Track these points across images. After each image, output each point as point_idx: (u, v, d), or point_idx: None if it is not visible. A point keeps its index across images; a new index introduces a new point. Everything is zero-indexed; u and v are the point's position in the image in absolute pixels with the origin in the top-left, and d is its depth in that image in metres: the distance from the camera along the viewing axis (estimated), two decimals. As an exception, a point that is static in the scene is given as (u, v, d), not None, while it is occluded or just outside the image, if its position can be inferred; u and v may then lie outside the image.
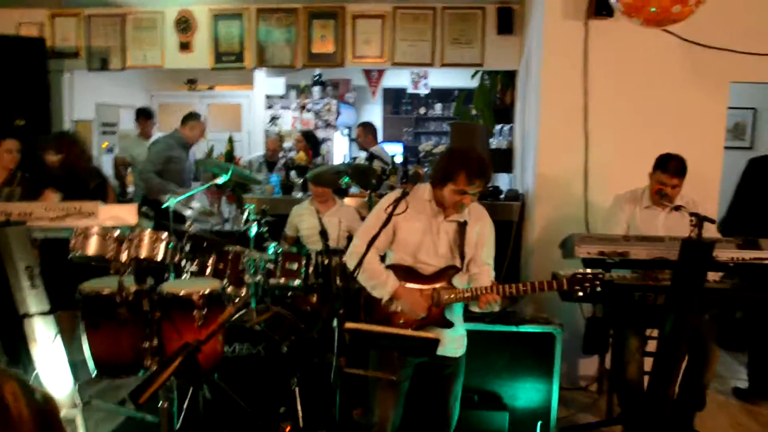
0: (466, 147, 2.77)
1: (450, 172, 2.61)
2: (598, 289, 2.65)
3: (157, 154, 5.31)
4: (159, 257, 2.97)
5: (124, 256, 2.93)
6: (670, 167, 3.44)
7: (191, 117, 5.52)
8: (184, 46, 5.97)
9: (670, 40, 4.18)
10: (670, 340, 2.94)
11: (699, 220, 2.82)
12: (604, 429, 3.76)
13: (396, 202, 2.58)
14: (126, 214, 3.00)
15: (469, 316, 2.98)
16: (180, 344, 2.03)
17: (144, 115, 6.27)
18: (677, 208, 3.33)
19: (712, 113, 4.26)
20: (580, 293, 2.66)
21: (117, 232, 2.95)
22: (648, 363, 3.44)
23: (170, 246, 3.03)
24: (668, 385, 3.01)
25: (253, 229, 3.70)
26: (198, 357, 2.04)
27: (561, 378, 3.69)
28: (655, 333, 3.60)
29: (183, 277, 3.50)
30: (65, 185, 4.03)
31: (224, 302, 3.18)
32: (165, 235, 3.00)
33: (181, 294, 3.04)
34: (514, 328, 3.53)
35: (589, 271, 2.67)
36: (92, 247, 3.04)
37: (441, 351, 2.68)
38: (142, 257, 2.95)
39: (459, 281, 2.77)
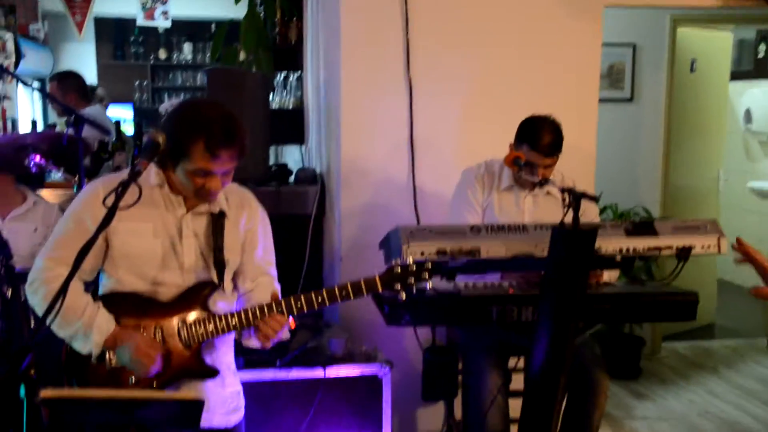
0: (203, 100, 2.66)
1: (181, 142, 2.48)
2: (429, 283, 2.70)
3: None
4: None
5: None
6: (543, 145, 3.51)
7: None
8: None
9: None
10: (544, 371, 3.03)
11: (575, 198, 2.92)
12: None
13: (122, 189, 2.36)
14: None
15: (247, 360, 2.88)
16: None
17: None
18: (542, 182, 3.45)
19: (584, 49, 4.51)
20: (403, 294, 2.68)
21: None
22: (514, 406, 3.53)
23: None
24: (545, 435, 3.11)
25: None
26: None
27: (394, 439, 3.71)
28: (521, 363, 3.73)
29: None
30: None
31: None
32: None
33: None
34: (319, 373, 3.49)
35: (410, 260, 2.70)
36: None
37: (204, 422, 2.56)
38: None
39: (222, 305, 2.70)
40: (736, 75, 8.10)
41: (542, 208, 3.72)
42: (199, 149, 2.45)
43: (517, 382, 3.72)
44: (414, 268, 2.67)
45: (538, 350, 3.03)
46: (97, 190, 2.54)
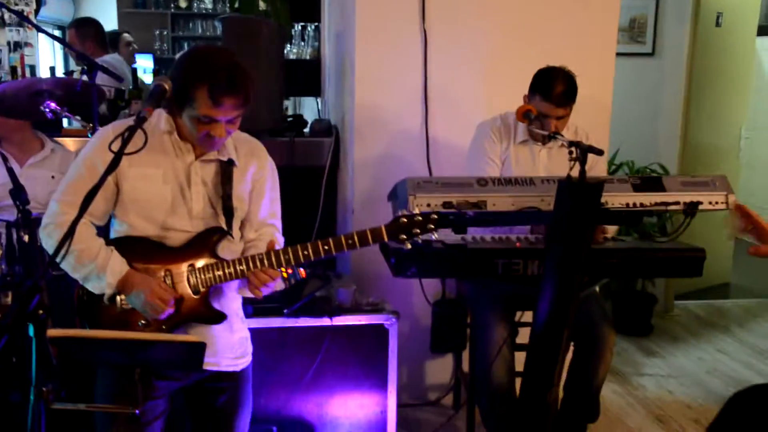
0: (211, 47, 2.69)
1: (186, 88, 2.52)
2: (434, 234, 2.73)
3: None
4: None
5: None
6: (555, 95, 3.52)
7: None
8: None
9: None
10: (548, 324, 3.07)
11: (581, 152, 2.93)
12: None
13: (129, 134, 2.41)
14: None
15: (257, 307, 2.92)
16: None
17: None
18: (551, 136, 3.45)
19: (599, 4, 4.49)
20: (408, 244, 2.71)
21: None
22: (521, 359, 3.60)
23: None
24: (547, 387, 3.16)
25: None
26: None
27: (401, 391, 3.78)
28: (528, 317, 3.78)
29: None
30: None
31: None
32: None
33: None
34: (326, 322, 3.56)
35: (417, 211, 2.72)
36: None
37: (211, 365, 2.67)
38: None
39: (229, 252, 2.74)
40: (764, 30, 8.00)
41: (556, 162, 3.73)
42: (202, 96, 2.47)
43: (524, 335, 3.77)
44: (420, 219, 2.69)
45: (542, 303, 3.06)
46: (108, 134, 2.57)
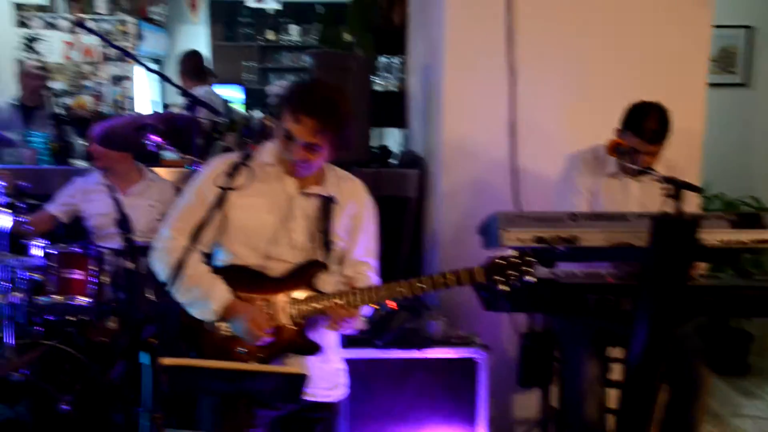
0: (319, 81, 2.80)
1: (281, 106, 2.68)
2: (529, 276, 2.73)
3: None
4: None
5: None
6: (647, 130, 3.49)
7: None
8: None
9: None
10: (642, 362, 3.06)
11: (676, 187, 2.93)
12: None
13: (233, 170, 2.56)
14: None
15: (348, 338, 2.98)
16: None
17: None
18: (643, 170, 3.44)
19: (692, 32, 4.46)
20: (504, 286, 2.72)
21: None
22: (612, 396, 3.59)
23: None
24: (643, 427, 3.15)
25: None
26: None
27: (489, 423, 3.78)
28: (618, 353, 3.76)
29: None
30: None
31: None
32: None
33: None
34: (417, 354, 3.60)
35: (512, 253, 2.73)
36: None
37: (306, 396, 2.69)
38: None
39: (327, 286, 2.80)
40: None
41: (649, 195, 3.63)
42: (288, 111, 2.61)
43: (614, 371, 3.76)
44: (517, 261, 2.72)
45: (636, 342, 3.05)
46: (217, 168, 2.70)
